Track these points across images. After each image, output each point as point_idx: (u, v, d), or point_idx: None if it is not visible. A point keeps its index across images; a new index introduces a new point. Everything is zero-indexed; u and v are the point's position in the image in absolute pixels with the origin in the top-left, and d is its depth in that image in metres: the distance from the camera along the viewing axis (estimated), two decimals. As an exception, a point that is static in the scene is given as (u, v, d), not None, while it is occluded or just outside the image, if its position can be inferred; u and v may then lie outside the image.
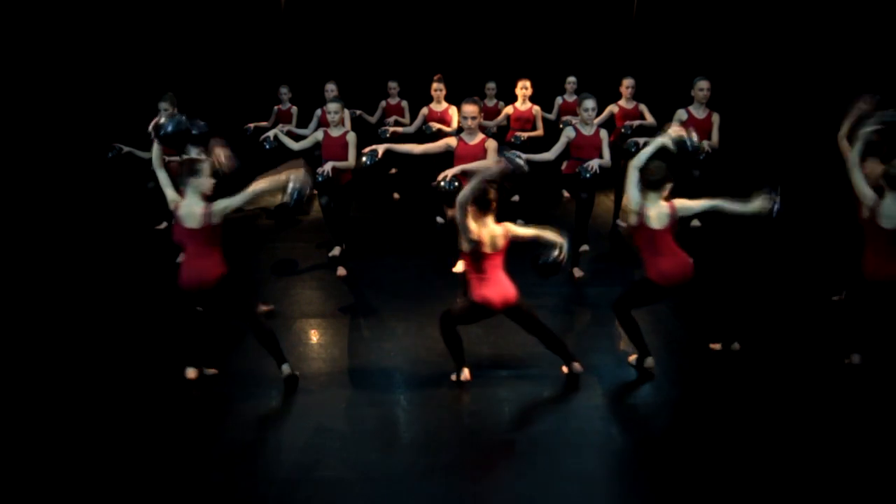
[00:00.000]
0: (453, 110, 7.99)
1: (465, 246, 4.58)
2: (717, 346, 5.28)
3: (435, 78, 8.05)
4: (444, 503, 3.79)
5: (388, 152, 5.79)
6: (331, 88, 8.03)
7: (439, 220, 8.31)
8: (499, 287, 4.65)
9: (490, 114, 8.57)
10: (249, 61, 10.60)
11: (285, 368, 4.85)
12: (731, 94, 9.58)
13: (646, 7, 10.55)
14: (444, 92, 8.03)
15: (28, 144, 9.10)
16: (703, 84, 6.94)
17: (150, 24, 10.11)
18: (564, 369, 5.01)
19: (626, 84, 7.94)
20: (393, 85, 8.76)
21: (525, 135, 8.01)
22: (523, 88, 8.08)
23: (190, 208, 4.62)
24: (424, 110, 8.08)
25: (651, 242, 4.74)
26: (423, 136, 7.78)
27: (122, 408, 4.62)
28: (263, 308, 5.78)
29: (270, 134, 7.11)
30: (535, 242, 4.76)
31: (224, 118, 10.38)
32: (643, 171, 4.70)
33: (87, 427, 4.40)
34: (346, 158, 6.50)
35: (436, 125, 7.88)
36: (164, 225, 7.89)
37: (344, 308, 6.12)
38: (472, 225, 4.50)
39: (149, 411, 4.59)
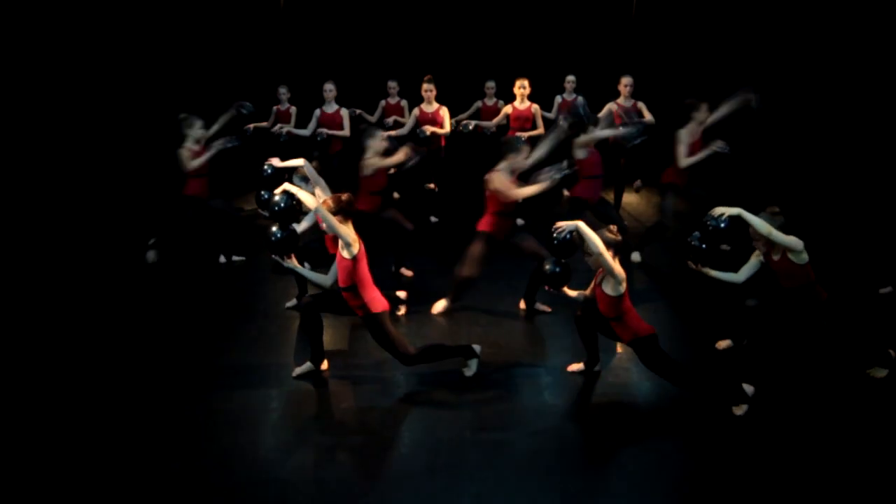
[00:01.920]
0: (444, 111, 8.02)
1: (612, 290, 4.48)
2: (724, 344, 5.28)
3: (425, 79, 8.03)
4: (444, 503, 3.79)
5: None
6: (329, 88, 8.08)
7: (433, 219, 8.31)
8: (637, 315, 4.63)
9: (490, 113, 8.57)
10: (248, 61, 10.59)
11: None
12: (731, 93, 9.58)
13: (645, 5, 10.55)
14: (434, 93, 8.03)
15: (25, 146, 9.09)
16: (625, 80, 7.88)
17: (149, 24, 10.10)
18: (569, 368, 5.02)
19: (625, 82, 7.95)
20: (392, 84, 8.75)
21: (525, 134, 8.01)
22: (521, 88, 8.07)
23: None
24: (416, 111, 8.10)
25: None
26: (417, 138, 7.82)
27: (122, 409, 4.62)
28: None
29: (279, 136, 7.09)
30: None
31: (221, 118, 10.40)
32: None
33: (87, 429, 4.40)
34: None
35: (429, 128, 7.89)
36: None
37: (344, 308, 6.12)
38: (618, 266, 4.45)
39: (149, 413, 4.59)
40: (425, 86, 8.01)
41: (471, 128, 8.17)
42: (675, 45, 10.46)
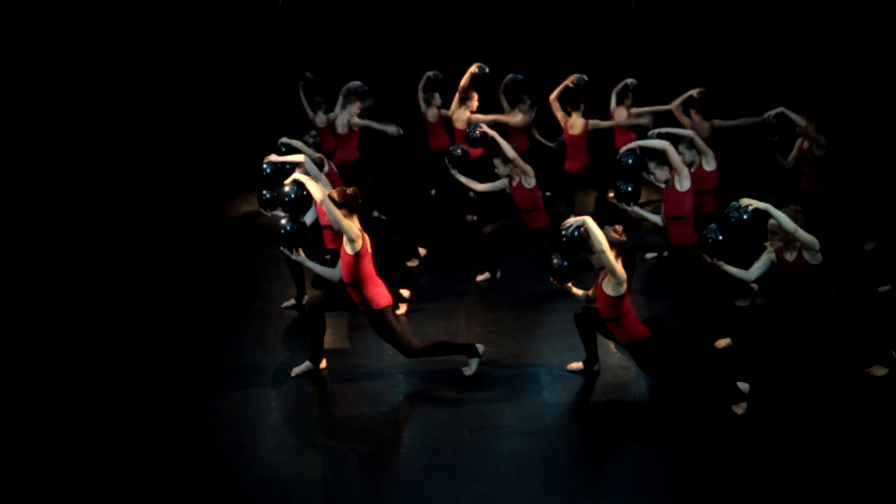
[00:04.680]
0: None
1: (612, 291, 4.46)
2: (723, 343, 5.26)
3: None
4: (444, 502, 3.78)
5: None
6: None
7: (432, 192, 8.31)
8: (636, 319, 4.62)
9: None
10: (246, 61, 10.58)
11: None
12: (730, 92, 9.58)
13: (643, 5, 10.54)
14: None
15: (25, 146, 9.08)
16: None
17: (148, 24, 10.10)
18: (569, 367, 5.02)
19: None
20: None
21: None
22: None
23: None
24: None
25: None
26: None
27: (122, 409, 4.61)
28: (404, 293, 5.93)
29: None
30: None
31: (221, 118, 10.41)
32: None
33: (87, 429, 4.40)
34: None
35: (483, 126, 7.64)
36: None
37: (343, 307, 6.11)
38: (619, 266, 4.44)
39: (148, 412, 4.58)
40: (477, 95, 7.99)
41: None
42: (674, 45, 10.45)
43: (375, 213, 8.18)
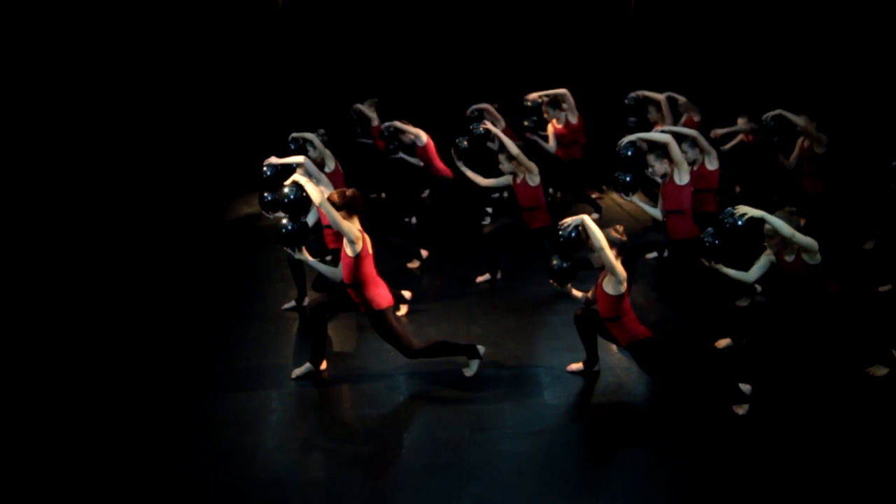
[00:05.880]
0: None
1: (612, 289, 4.47)
2: (723, 343, 5.26)
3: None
4: (444, 503, 3.79)
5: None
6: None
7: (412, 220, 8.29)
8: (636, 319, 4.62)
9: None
10: (246, 62, 10.59)
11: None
12: (730, 93, 9.58)
13: (643, 5, 10.54)
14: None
15: (26, 146, 9.11)
16: None
17: (148, 25, 10.11)
18: (569, 368, 5.02)
19: None
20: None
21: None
22: None
23: None
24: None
25: None
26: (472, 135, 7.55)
27: (121, 410, 4.62)
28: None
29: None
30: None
31: (221, 120, 10.42)
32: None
33: (87, 429, 4.41)
34: None
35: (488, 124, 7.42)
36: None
37: (343, 308, 6.12)
38: (619, 265, 4.44)
39: (148, 413, 4.59)
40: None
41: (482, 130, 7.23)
42: (673, 45, 10.46)
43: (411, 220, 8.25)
